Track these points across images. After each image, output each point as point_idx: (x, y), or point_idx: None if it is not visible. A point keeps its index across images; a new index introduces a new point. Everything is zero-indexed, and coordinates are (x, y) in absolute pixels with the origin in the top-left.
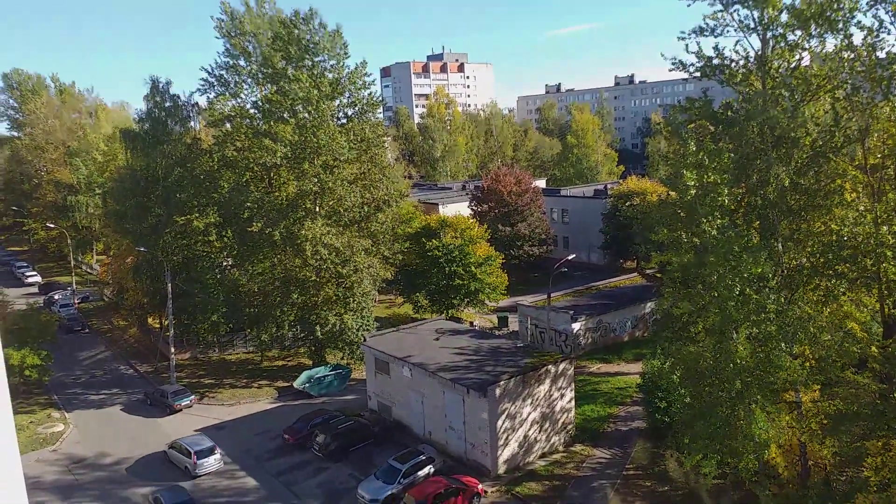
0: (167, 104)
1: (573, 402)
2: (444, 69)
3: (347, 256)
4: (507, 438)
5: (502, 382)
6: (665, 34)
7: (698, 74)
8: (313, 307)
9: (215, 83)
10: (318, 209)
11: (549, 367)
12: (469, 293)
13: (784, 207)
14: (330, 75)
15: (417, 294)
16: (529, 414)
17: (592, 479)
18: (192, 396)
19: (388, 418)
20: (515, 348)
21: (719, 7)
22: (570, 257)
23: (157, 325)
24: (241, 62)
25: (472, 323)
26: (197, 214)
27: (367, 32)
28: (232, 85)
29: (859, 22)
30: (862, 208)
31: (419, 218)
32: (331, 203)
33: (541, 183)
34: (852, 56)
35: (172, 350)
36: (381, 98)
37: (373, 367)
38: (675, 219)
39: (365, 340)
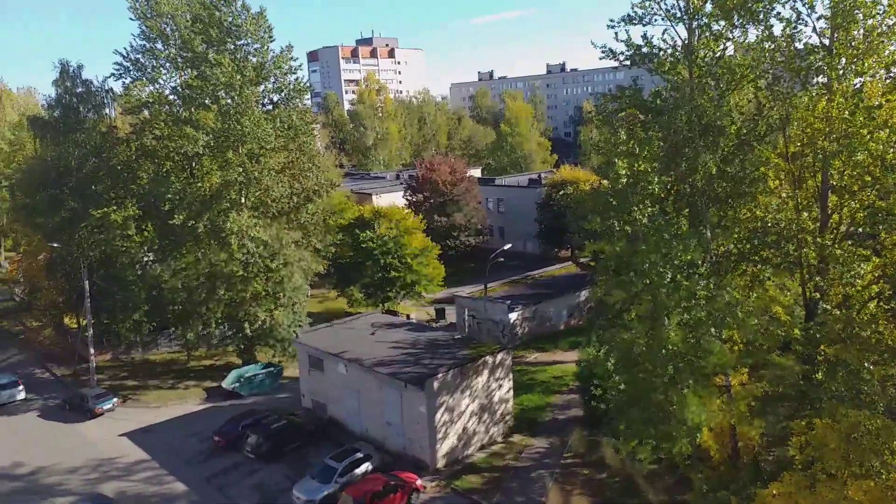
0: (79, 90)
1: (511, 393)
2: (374, 54)
3: (276, 249)
4: (445, 432)
5: (440, 375)
6: (596, 22)
7: (628, 63)
8: (241, 303)
9: (131, 68)
10: (243, 200)
11: (487, 358)
12: (405, 285)
13: (712, 195)
14: (254, 59)
15: (351, 287)
16: (468, 406)
17: (531, 469)
18: (115, 399)
19: (323, 416)
20: (453, 340)
21: None
22: (506, 247)
23: (75, 326)
24: (159, 45)
25: (408, 316)
26: (114, 207)
27: (292, 14)
28: (149, 70)
29: (779, 13)
30: (784, 195)
31: (352, 208)
32: (257, 194)
33: (476, 172)
34: (773, 46)
35: (92, 351)
36: (308, 84)
37: (306, 365)
38: (607, 207)
39: (297, 337)
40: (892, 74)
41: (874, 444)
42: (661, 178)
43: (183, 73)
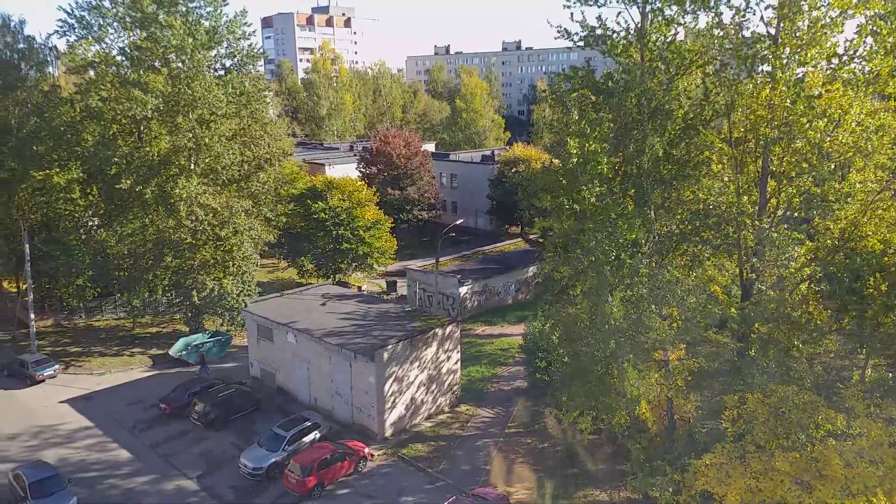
0: (20, 45)
1: (459, 364)
2: (329, 23)
3: (226, 217)
4: (394, 402)
5: (390, 346)
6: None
7: (582, 44)
8: (189, 271)
9: (76, 25)
10: (193, 167)
11: (437, 330)
12: (357, 257)
13: (657, 176)
14: (206, 23)
15: (303, 258)
16: (417, 377)
17: (476, 439)
18: (57, 366)
19: (272, 385)
20: (403, 312)
21: None
22: (458, 222)
23: (14, 290)
24: (106, 3)
25: (359, 288)
26: (57, 169)
27: None
28: (95, 28)
29: (729, 1)
30: (726, 179)
31: (304, 178)
32: (207, 160)
33: (430, 147)
34: (722, 34)
35: (32, 316)
36: (262, 50)
37: (255, 334)
38: (557, 186)
39: (246, 306)
40: (832, 66)
41: (801, 418)
42: (609, 158)
43: (131, 34)
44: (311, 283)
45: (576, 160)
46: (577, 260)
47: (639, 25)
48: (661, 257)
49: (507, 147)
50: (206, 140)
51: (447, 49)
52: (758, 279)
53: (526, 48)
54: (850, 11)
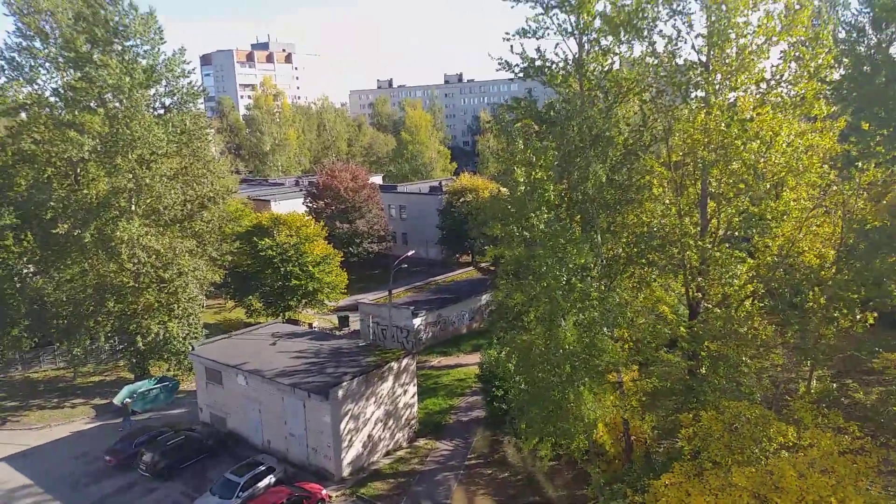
0: None
1: (416, 398)
2: (270, 59)
3: (170, 259)
4: (350, 440)
5: (344, 383)
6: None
7: (522, 75)
8: (133, 315)
9: (5, 66)
10: (134, 208)
11: (392, 364)
12: (307, 294)
13: (602, 202)
14: (144, 61)
15: (250, 297)
16: (373, 413)
17: (436, 472)
18: None
19: (223, 430)
20: (357, 348)
21: (540, 10)
22: (409, 253)
23: None
24: (37, 44)
25: (310, 325)
26: None
27: (186, 16)
28: (26, 69)
29: (661, 31)
30: (668, 202)
31: (250, 215)
32: (148, 201)
33: (377, 179)
34: (656, 62)
35: None
36: (202, 88)
37: (203, 378)
38: (506, 214)
39: (193, 349)
40: (761, 90)
41: (753, 433)
42: (555, 185)
43: (65, 74)
44: (259, 323)
45: (523, 188)
46: (529, 286)
47: (577, 56)
48: (610, 280)
49: (454, 177)
50: (147, 180)
51: (390, 83)
52: (704, 298)
53: (468, 80)
54: (774, 39)
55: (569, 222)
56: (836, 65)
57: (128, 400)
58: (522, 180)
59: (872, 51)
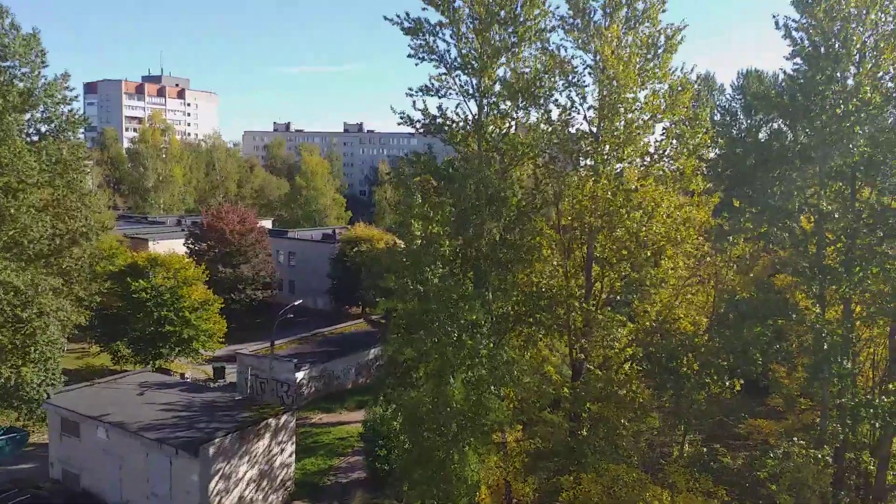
0: None
1: (293, 457)
2: (161, 93)
3: (30, 297)
4: (219, 502)
5: (217, 440)
6: (395, 86)
7: (423, 131)
8: None
9: None
10: None
11: (270, 420)
12: (181, 341)
13: (494, 259)
14: (21, 84)
15: (118, 342)
16: (246, 472)
17: None
18: None
19: (76, 489)
20: (233, 402)
21: (443, 70)
22: (296, 303)
23: None
24: None
25: (183, 375)
26: None
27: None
28: None
29: (556, 100)
30: (556, 263)
31: (125, 254)
32: (11, 233)
33: (267, 223)
34: (550, 129)
35: None
36: (84, 116)
37: (58, 429)
38: (401, 266)
39: (49, 397)
40: (645, 163)
41: (631, 496)
42: (451, 241)
43: None
44: (126, 371)
45: (419, 242)
46: (420, 341)
47: (476, 117)
48: (499, 338)
49: (349, 226)
50: (12, 210)
51: (287, 126)
52: (586, 359)
53: (368, 130)
54: (659, 116)
55: (462, 278)
56: (713, 144)
57: None
58: (419, 234)
59: (743, 134)
